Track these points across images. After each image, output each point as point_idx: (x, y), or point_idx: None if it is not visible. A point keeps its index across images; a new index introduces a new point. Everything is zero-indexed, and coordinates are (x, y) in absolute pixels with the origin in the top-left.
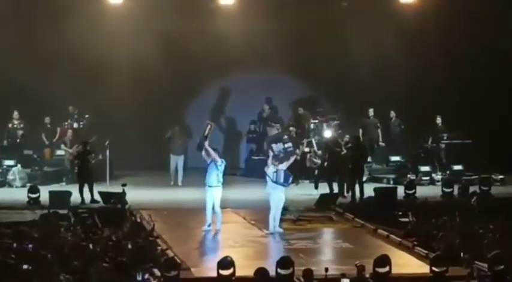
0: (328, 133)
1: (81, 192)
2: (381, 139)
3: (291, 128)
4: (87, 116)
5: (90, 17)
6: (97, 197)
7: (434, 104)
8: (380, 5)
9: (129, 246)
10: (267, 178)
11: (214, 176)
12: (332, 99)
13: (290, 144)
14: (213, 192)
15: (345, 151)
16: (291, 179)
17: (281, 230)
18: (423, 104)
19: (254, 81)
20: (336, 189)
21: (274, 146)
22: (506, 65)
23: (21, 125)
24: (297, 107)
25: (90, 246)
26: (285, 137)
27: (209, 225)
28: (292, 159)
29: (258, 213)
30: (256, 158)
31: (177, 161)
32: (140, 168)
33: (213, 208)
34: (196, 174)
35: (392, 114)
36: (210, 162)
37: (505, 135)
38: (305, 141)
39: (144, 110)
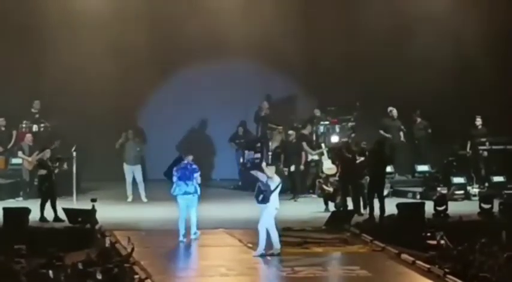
0: (335, 138)
1: (42, 209)
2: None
3: (290, 132)
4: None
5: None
6: (61, 214)
7: (474, 102)
8: None
9: (99, 275)
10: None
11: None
12: (346, 96)
13: (259, 155)
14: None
15: (361, 159)
16: (260, 198)
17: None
18: (457, 103)
19: (245, 73)
20: (350, 206)
21: (246, 152)
22: None
23: None
24: (301, 105)
25: (50, 273)
26: (258, 145)
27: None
28: (262, 178)
29: (256, 235)
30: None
31: (133, 172)
32: (111, 179)
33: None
34: (158, 187)
35: (418, 115)
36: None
37: None
38: (317, 152)
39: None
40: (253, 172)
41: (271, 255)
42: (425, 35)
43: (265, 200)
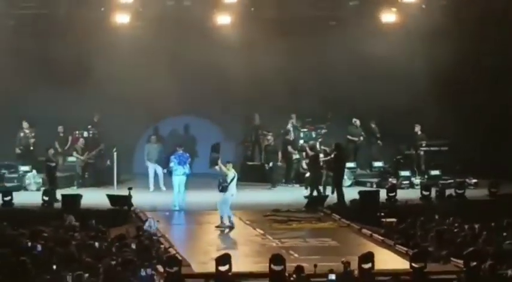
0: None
1: None
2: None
3: (269, 137)
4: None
5: (99, 36)
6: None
7: (413, 114)
8: (365, 24)
9: (133, 245)
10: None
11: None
12: (320, 109)
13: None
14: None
15: (326, 157)
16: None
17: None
18: (403, 114)
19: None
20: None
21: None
22: (483, 81)
23: (33, 134)
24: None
25: (96, 244)
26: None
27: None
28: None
29: (253, 215)
30: (250, 163)
31: (155, 168)
32: (142, 173)
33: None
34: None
35: (373, 123)
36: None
37: (478, 143)
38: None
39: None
40: (216, 168)
41: (230, 227)
42: (380, 66)
43: (224, 190)
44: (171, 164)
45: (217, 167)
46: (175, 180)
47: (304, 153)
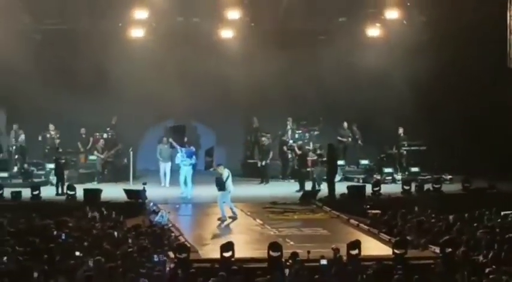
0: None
1: None
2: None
3: (263, 138)
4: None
5: (116, 48)
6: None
7: (396, 118)
8: (352, 38)
9: (147, 234)
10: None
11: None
12: (313, 114)
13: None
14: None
15: (313, 156)
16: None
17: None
18: (386, 118)
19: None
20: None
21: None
22: (457, 90)
23: (57, 135)
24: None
25: (115, 233)
26: (210, 150)
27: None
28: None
29: (253, 207)
30: (250, 161)
31: (165, 167)
32: (156, 169)
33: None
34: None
35: (355, 126)
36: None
37: (453, 144)
38: (295, 145)
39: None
40: (212, 169)
41: (233, 218)
42: (366, 76)
43: (222, 188)
44: (179, 155)
45: (211, 169)
46: (183, 170)
47: (293, 152)
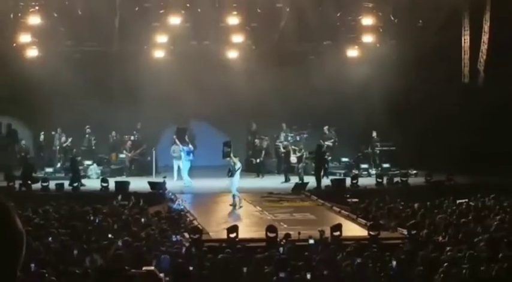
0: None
1: None
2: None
3: (256, 140)
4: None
5: (142, 66)
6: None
7: (371, 123)
8: (336, 58)
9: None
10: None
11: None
12: (302, 120)
13: (228, 148)
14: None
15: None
16: (229, 174)
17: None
18: (363, 123)
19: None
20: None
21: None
22: (421, 101)
23: (93, 137)
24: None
25: (141, 218)
26: (227, 142)
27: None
28: (231, 162)
29: (253, 196)
30: (250, 159)
31: (178, 163)
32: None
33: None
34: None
35: (333, 130)
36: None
37: (417, 145)
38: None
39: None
40: (228, 159)
41: (239, 206)
42: (347, 89)
43: (232, 175)
44: (181, 153)
45: (228, 158)
46: (185, 164)
47: (280, 151)
